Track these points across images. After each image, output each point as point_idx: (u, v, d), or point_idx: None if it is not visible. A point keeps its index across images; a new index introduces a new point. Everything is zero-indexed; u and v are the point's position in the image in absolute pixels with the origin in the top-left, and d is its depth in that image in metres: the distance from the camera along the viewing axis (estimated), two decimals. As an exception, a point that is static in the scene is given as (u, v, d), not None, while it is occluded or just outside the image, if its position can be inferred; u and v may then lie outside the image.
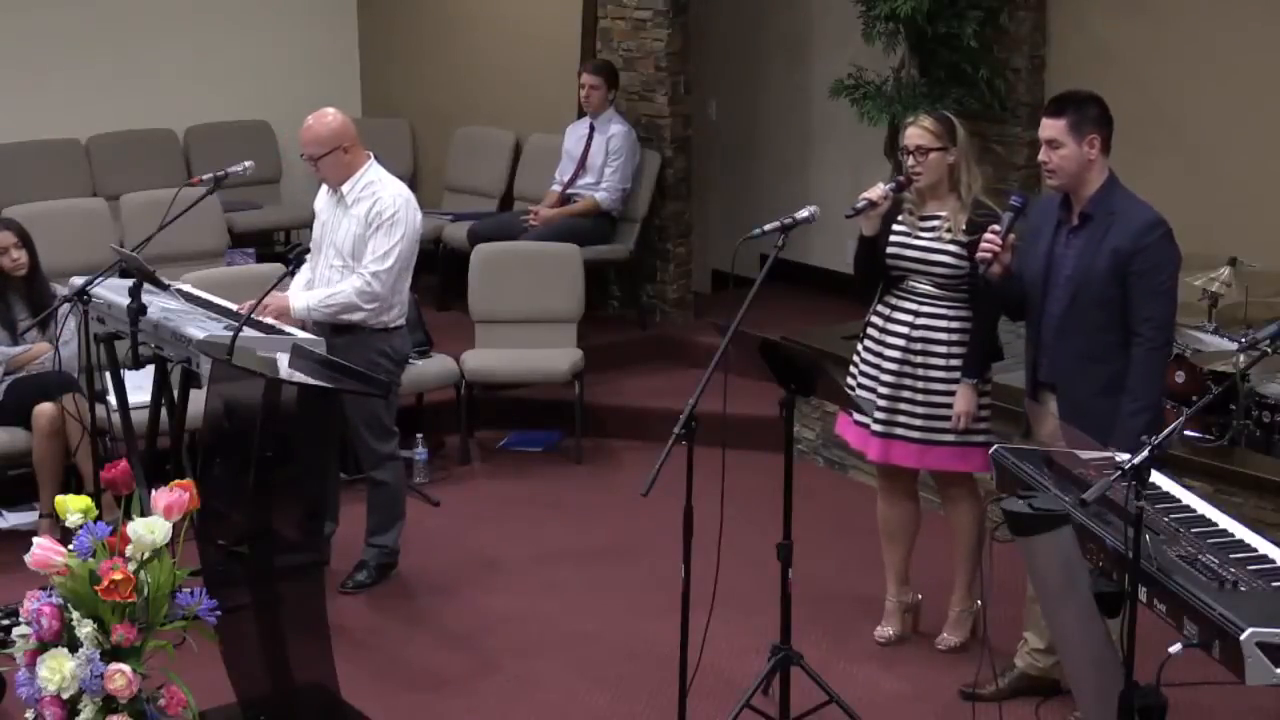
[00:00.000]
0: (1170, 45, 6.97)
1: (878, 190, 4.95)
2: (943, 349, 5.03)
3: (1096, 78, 6.51)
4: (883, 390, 5.09)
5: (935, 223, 5.00)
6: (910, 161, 4.98)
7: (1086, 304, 4.55)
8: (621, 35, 8.54)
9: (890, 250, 5.05)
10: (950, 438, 5.04)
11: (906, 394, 5.07)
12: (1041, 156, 4.59)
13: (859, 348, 5.26)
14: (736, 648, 5.03)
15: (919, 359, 5.04)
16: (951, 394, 5.01)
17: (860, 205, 4.94)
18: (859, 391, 5.17)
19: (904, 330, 5.06)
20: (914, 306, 5.06)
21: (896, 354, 5.07)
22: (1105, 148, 4.55)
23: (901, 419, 5.09)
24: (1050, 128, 4.54)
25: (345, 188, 5.67)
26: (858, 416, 5.20)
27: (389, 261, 5.60)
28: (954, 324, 5.02)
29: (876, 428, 5.13)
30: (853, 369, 5.27)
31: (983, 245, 4.67)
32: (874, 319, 5.17)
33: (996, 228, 4.66)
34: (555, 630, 5.56)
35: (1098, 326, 4.55)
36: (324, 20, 10.60)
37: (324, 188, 5.79)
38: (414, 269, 5.81)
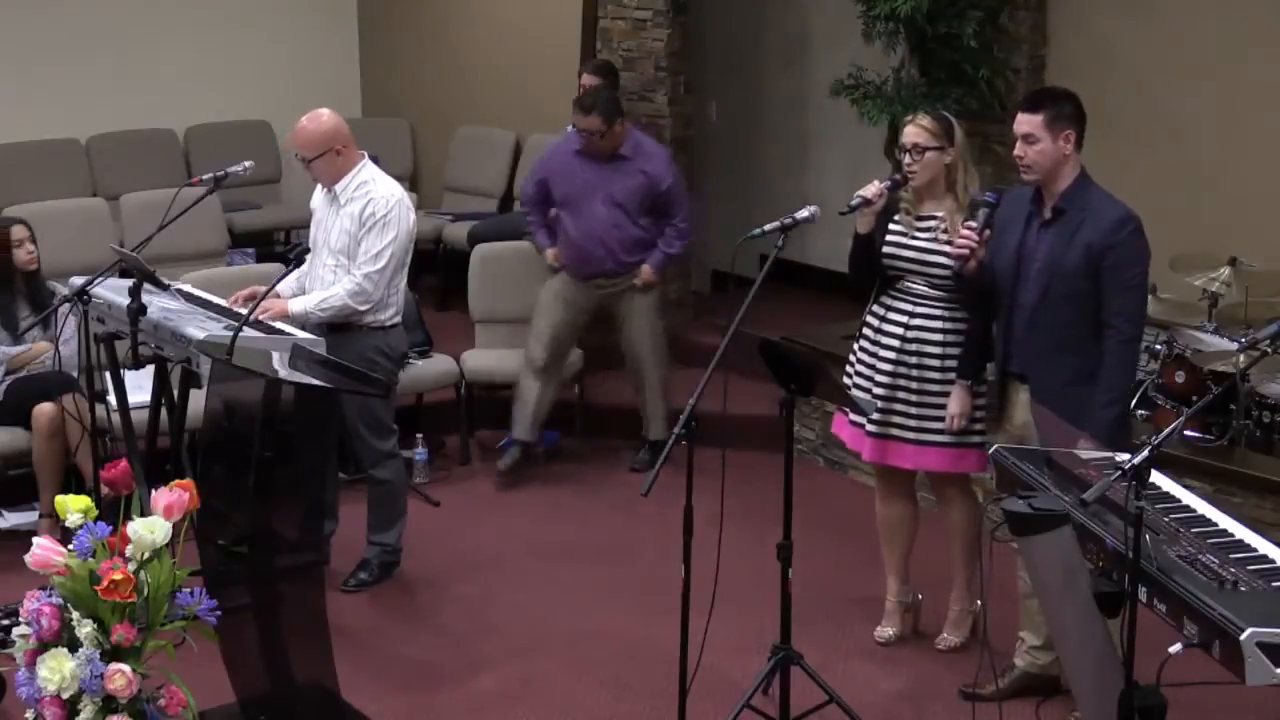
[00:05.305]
0: (1170, 45, 6.96)
1: (873, 188, 4.97)
2: (937, 349, 5.03)
3: (1096, 78, 6.52)
4: (878, 391, 5.10)
5: (932, 223, 5.02)
6: (907, 159, 5.00)
7: (1058, 297, 4.59)
8: (621, 35, 8.54)
9: (886, 250, 5.07)
10: (945, 438, 5.04)
11: (901, 394, 5.08)
12: (1017, 151, 4.63)
13: (854, 347, 5.27)
14: (736, 648, 5.03)
15: (914, 359, 5.05)
16: (946, 395, 5.01)
17: (855, 203, 4.95)
18: (854, 391, 5.17)
19: (899, 331, 5.07)
20: (909, 307, 5.06)
21: (891, 354, 5.08)
22: (1079, 144, 4.58)
23: (896, 419, 5.09)
24: (1026, 123, 4.58)
25: (338, 187, 5.68)
26: (853, 416, 5.21)
27: (381, 262, 5.61)
28: (949, 324, 5.03)
29: (871, 428, 5.13)
30: (849, 369, 5.28)
31: (958, 241, 4.73)
32: (869, 319, 5.19)
33: (972, 224, 4.72)
34: (555, 630, 5.56)
35: (1069, 319, 4.59)
36: (324, 20, 10.60)
37: (320, 186, 5.81)
38: (413, 269, 5.82)
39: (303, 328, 5.50)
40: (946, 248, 4.94)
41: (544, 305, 7.10)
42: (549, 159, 7.17)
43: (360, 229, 5.63)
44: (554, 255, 7.08)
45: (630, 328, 7.13)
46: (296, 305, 5.63)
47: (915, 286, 5.06)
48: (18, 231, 6.44)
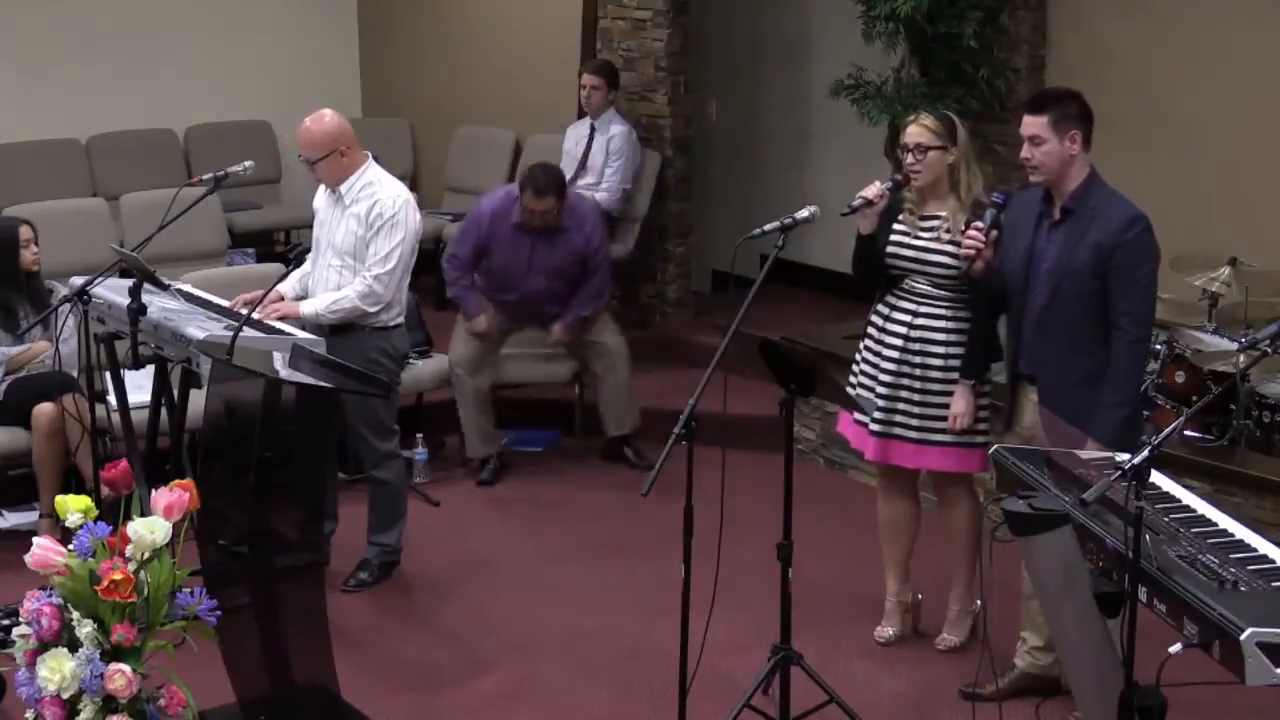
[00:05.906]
0: (1170, 45, 6.97)
1: (874, 188, 4.96)
2: (940, 349, 5.03)
3: (1096, 78, 6.51)
4: (880, 390, 5.10)
5: (935, 223, 5.01)
6: (909, 160, 4.99)
7: (1068, 297, 4.58)
8: (621, 35, 8.54)
9: (889, 250, 5.06)
10: (947, 438, 5.04)
11: (904, 394, 5.08)
12: (1024, 153, 4.61)
13: (859, 346, 5.27)
14: (737, 647, 5.03)
15: (917, 359, 5.05)
16: (949, 394, 5.01)
17: (856, 203, 4.95)
18: (859, 391, 5.18)
19: (902, 330, 5.07)
20: (912, 306, 5.06)
21: (894, 354, 5.08)
22: (1086, 143, 4.58)
23: (899, 419, 5.09)
24: (1032, 124, 4.57)
25: (343, 188, 5.68)
26: (857, 415, 5.21)
27: (391, 263, 5.62)
28: (952, 324, 5.03)
29: (875, 427, 5.14)
30: (854, 368, 5.28)
31: (966, 242, 4.72)
32: (873, 318, 5.19)
33: (980, 225, 4.71)
34: (555, 629, 5.56)
35: (1078, 319, 4.59)
36: (324, 20, 10.61)
37: (322, 186, 5.81)
38: (413, 269, 5.83)
39: (303, 328, 5.50)
40: (949, 247, 4.94)
41: (462, 334, 7.11)
42: (488, 227, 6.93)
43: (368, 230, 5.63)
44: (485, 326, 7.00)
45: (601, 342, 7.14)
46: (307, 308, 5.64)
47: (919, 286, 5.05)
48: (24, 231, 6.46)
